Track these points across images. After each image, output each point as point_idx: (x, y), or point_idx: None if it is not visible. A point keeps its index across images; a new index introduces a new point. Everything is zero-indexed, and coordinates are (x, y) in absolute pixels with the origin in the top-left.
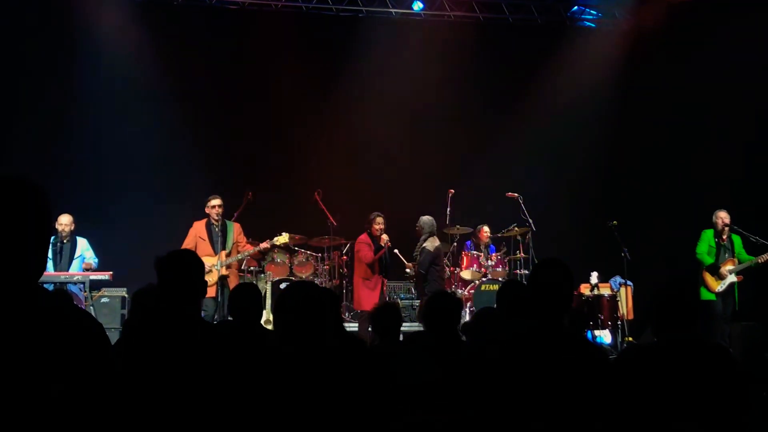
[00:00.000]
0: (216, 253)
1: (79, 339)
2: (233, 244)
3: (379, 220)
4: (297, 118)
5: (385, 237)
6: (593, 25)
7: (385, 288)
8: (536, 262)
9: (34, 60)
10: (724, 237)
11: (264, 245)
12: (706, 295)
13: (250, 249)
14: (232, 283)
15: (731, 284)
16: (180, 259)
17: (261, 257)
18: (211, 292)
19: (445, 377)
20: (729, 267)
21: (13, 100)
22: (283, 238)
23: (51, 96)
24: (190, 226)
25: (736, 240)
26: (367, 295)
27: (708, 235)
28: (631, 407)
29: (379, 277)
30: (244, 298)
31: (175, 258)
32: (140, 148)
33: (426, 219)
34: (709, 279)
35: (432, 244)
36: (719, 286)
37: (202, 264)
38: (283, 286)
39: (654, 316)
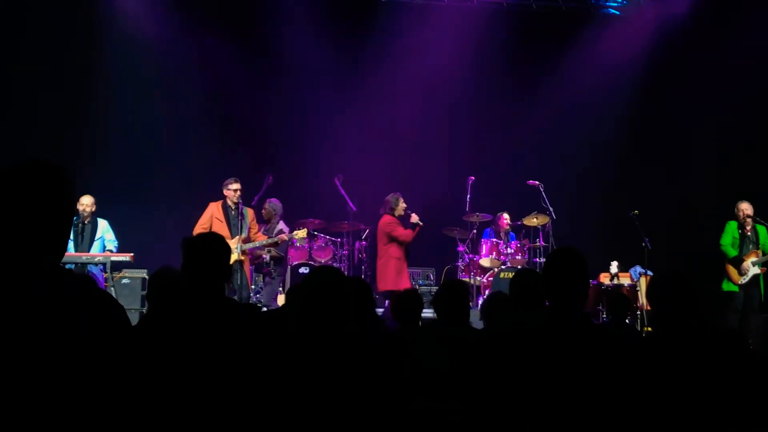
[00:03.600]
0: (232, 235)
1: (104, 318)
2: (248, 229)
3: (402, 200)
4: (319, 103)
5: (416, 216)
6: (617, 12)
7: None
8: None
9: (58, 41)
10: (748, 228)
11: (282, 237)
12: (728, 286)
13: (263, 238)
14: (246, 267)
15: (755, 276)
16: (208, 243)
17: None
18: None
19: (456, 364)
20: (753, 259)
21: (37, 81)
22: (302, 233)
23: (76, 78)
24: None
25: (761, 231)
26: (402, 276)
27: (732, 226)
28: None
29: (405, 255)
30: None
31: (203, 241)
32: (161, 131)
33: (276, 203)
34: (732, 271)
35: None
36: (742, 279)
37: (228, 249)
38: (302, 270)
39: (657, 306)
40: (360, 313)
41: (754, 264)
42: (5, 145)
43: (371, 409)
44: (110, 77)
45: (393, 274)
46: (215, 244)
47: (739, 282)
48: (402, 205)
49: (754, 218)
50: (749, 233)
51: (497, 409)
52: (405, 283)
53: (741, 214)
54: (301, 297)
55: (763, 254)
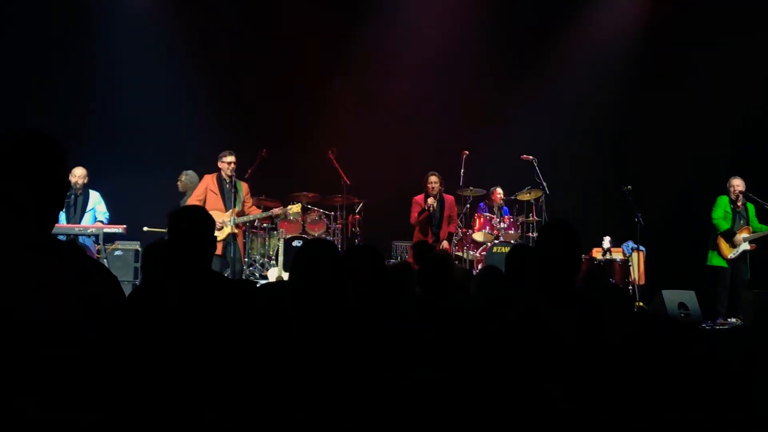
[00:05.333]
0: (226, 208)
1: (97, 287)
2: (242, 203)
3: (432, 179)
4: (312, 75)
5: (430, 200)
6: None
7: (446, 245)
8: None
9: (51, 12)
10: (740, 204)
11: (276, 211)
12: (717, 261)
13: (257, 212)
14: (240, 241)
15: (743, 252)
16: (190, 216)
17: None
18: (217, 249)
19: (441, 336)
20: (744, 235)
21: (28, 53)
22: (296, 208)
23: (66, 49)
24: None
25: (750, 208)
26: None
27: (724, 201)
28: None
29: (431, 236)
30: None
31: (185, 214)
32: (155, 102)
33: (192, 173)
34: (723, 245)
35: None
36: (732, 254)
37: (212, 221)
38: (296, 243)
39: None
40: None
41: (744, 240)
42: None
43: (368, 379)
44: (101, 47)
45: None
46: (195, 217)
47: (729, 257)
48: (429, 184)
49: (745, 194)
50: (740, 209)
51: (483, 380)
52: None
53: (734, 189)
54: (296, 270)
55: (753, 231)
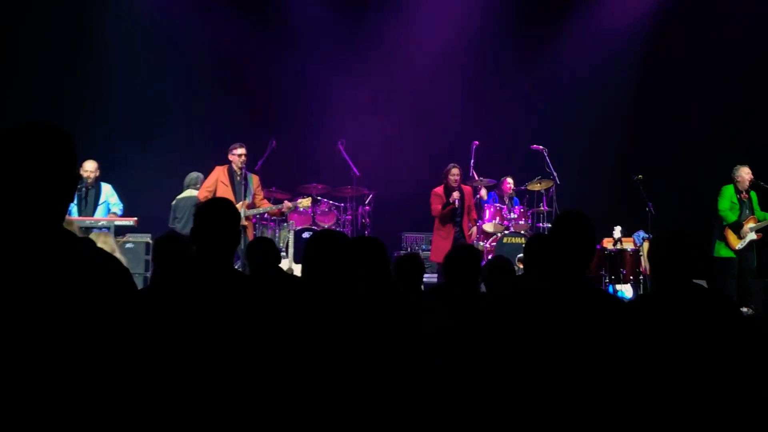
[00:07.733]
0: (237, 200)
1: (110, 279)
2: (252, 195)
3: (455, 171)
4: (322, 66)
5: (455, 194)
6: None
7: (469, 237)
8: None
9: (59, 5)
10: (745, 194)
11: (286, 206)
12: (725, 252)
13: (267, 205)
14: (250, 233)
15: (750, 242)
16: (220, 208)
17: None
18: None
19: (463, 327)
20: (750, 225)
21: (38, 46)
22: (306, 201)
23: (75, 43)
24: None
25: (753, 197)
26: (440, 245)
27: (729, 191)
28: (644, 356)
29: (452, 227)
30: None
31: (214, 207)
32: (165, 95)
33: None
34: (731, 237)
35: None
36: (739, 244)
37: (239, 214)
38: (305, 235)
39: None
40: (372, 274)
41: (752, 229)
42: (6, 110)
43: (375, 370)
44: (112, 41)
45: (433, 244)
46: (224, 210)
47: (737, 247)
48: (452, 176)
49: (755, 183)
50: (746, 199)
51: (495, 372)
52: (437, 256)
53: (747, 177)
54: (304, 261)
55: (758, 220)
